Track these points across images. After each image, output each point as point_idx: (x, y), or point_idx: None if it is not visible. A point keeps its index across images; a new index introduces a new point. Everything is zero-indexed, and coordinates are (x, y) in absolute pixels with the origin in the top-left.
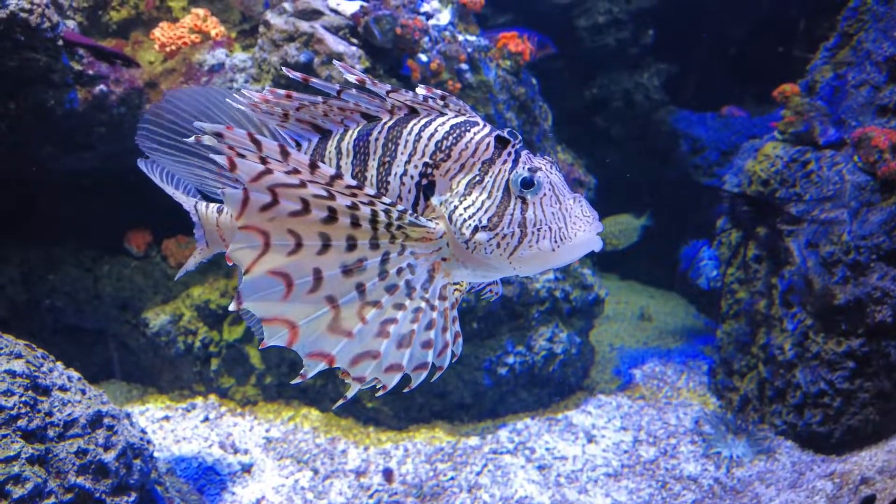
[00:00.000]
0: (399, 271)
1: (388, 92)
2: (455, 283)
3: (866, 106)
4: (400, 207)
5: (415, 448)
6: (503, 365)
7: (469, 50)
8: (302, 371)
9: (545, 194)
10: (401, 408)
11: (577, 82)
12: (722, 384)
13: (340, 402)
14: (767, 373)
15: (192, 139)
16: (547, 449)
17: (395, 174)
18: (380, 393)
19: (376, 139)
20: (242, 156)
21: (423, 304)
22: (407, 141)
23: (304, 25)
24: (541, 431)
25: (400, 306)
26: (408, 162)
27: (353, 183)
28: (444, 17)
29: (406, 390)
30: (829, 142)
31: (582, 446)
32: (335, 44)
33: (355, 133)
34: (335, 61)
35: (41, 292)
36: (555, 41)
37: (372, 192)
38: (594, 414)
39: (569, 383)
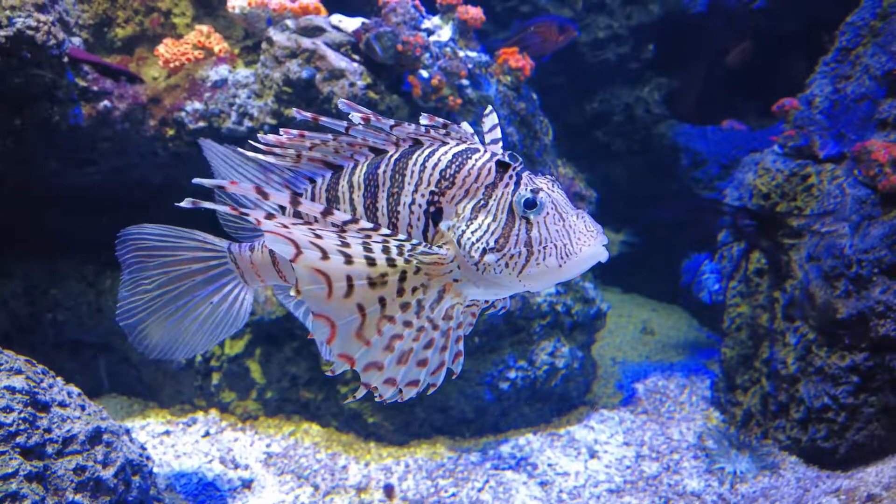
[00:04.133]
0: (414, 290)
1: (391, 126)
2: (471, 303)
3: (866, 120)
4: (414, 242)
5: (416, 464)
6: (505, 380)
7: (470, 66)
8: (332, 367)
9: (548, 213)
10: (402, 423)
11: (577, 97)
12: (725, 399)
13: (350, 399)
14: (770, 387)
15: (185, 203)
16: (549, 465)
17: (404, 203)
18: (378, 400)
19: (384, 171)
20: (246, 214)
21: (426, 324)
22: (413, 171)
23: (307, 42)
24: (543, 447)
25: (408, 324)
26: (415, 191)
27: (368, 226)
28: (445, 33)
29: (393, 400)
30: (830, 156)
31: (584, 462)
32: (337, 60)
33: (365, 167)
34: (341, 100)
35: (43, 306)
36: (555, 57)
37: (386, 231)
38: (597, 429)
39: (571, 398)
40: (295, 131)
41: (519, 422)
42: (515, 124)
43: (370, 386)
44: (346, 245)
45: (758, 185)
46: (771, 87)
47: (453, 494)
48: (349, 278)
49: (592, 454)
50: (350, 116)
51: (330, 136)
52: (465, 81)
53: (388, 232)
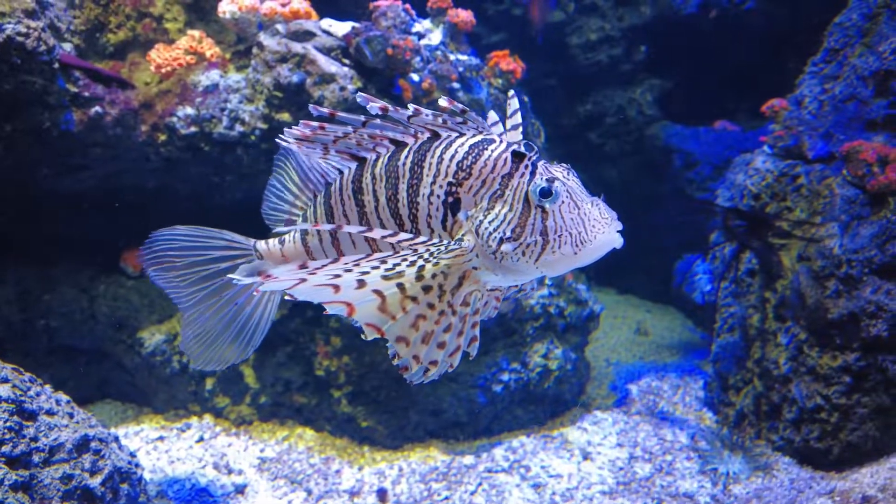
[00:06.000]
0: (433, 276)
1: (409, 117)
2: (492, 290)
3: (854, 120)
4: (443, 245)
5: (409, 467)
6: (498, 382)
7: (460, 69)
8: (364, 332)
9: (563, 202)
10: (396, 427)
11: (570, 99)
12: (718, 399)
13: (394, 359)
14: (763, 387)
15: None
16: (542, 467)
17: (423, 195)
18: (404, 375)
19: (403, 164)
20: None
21: (446, 308)
22: (431, 164)
23: (297, 46)
24: (536, 449)
25: (431, 306)
26: (433, 183)
27: (406, 236)
28: (436, 36)
29: (419, 380)
30: (818, 156)
31: (577, 464)
32: (327, 64)
33: (386, 159)
34: (359, 94)
35: (36, 313)
36: (548, 59)
37: (421, 239)
38: (590, 430)
39: (564, 400)
40: (315, 123)
41: (512, 424)
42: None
43: (399, 356)
44: (366, 273)
45: (748, 185)
46: (763, 87)
47: (446, 498)
48: (361, 282)
49: (586, 456)
50: (368, 107)
51: (350, 128)
52: (455, 85)
53: (423, 239)
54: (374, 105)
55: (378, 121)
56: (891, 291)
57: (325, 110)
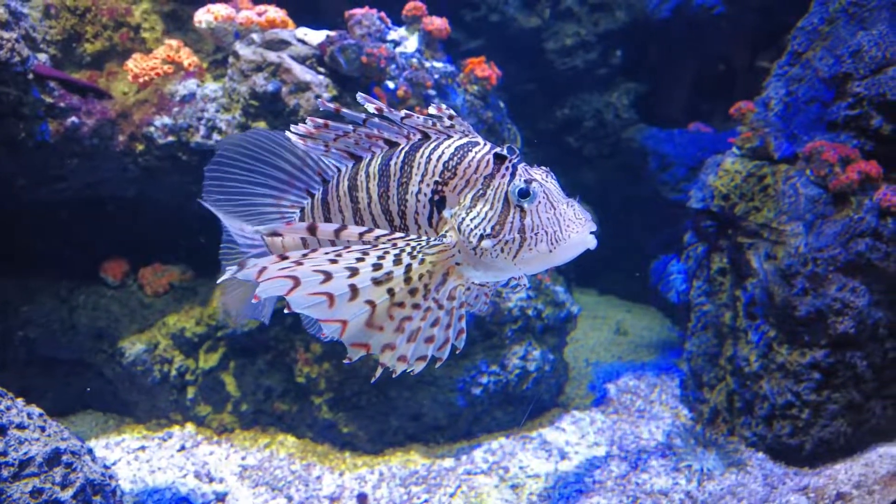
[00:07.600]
0: (420, 276)
1: (401, 118)
2: (481, 285)
3: (816, 121)
4: (424, 241)
5: (390, 472)
6: (477, 385)
7: (436, 76)
8: (348, 355)
9: (540, 202)
10: (376, 432)
11: (548, 103)
12: (693, 396)
13: (376, 376)
14: (735, 384)
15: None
16: (520, 467)
17: (412, 192)
18: (395, 375)
19: (395, 163)
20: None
21: (432, 305)
22: (419, 164)
23: (272, 56)
24: (515, 450)
25: (416, 306)
26: (421, 181)
27: (383, 232)
28: (411, 44)
29: (410, 369)
30: (784, 156)
31: (555, 463)
32: (302, 73)
33: (379, 159)
34: (359, 95)
35: (14, 324)
36: (525, 64)
37: (399, 235)
38: (568, 430)
39: (543, 401)
40: (320, 120)
41: (492, 426)
42: (483, 133)
43: (385, 365)
44: (355, 271)
45: (718, 186)
46: (736, 89)
47: (426, 501)
48: (353, 287)
49: (563, 455)
50: (365, 107)
51: (350, 127)
52: (431, 92)
53: (401, 235)
54: (371, 106)
55: (376, 119)
56: (856, 289)
57: (332, 106)
